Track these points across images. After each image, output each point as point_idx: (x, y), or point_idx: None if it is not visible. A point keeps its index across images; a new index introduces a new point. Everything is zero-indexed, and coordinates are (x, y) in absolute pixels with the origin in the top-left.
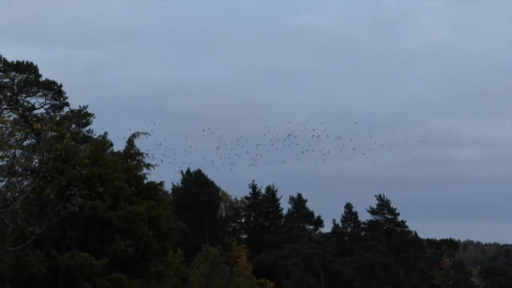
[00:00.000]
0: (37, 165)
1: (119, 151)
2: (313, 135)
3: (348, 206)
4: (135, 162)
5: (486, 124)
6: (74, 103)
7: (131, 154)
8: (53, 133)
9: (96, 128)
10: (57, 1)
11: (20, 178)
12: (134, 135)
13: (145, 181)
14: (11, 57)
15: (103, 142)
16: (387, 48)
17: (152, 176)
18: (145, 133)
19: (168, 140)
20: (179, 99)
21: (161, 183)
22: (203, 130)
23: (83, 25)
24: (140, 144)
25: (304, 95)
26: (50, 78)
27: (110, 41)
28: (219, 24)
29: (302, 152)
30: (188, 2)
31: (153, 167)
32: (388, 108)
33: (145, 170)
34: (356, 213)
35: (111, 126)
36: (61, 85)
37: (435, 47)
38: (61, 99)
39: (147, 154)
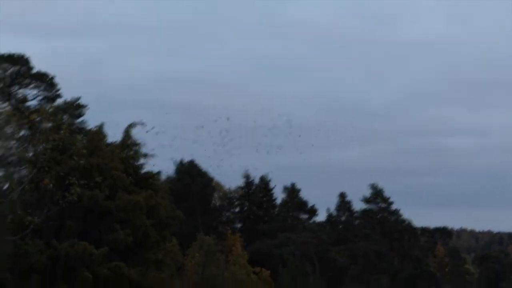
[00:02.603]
0: (33, 156)
1: (116, 142)
2: (308, 125)
3: (342, 195)
4: (132, 152)
5: (481, 113)
6: (68, 95)
7: (128, 144)
8: (49, 124)
9: (90, 120)
10: None
11: (17, 168)
12: (130, 125)
13: (142, 171)
14: (3, 50)
15: (100, 133)
16: (382, 38)
17: (147, 167)
18: (142, 124)
19: (161, 131)
20: (173, 90)
21: (158, 173)
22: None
23: (77, 16)
24: (137, 135)
25: (299, 85)
26: (43, 70)
27: (105, 33)
28: (213, 15)
29: (295, 142)
30: None
31: (151, 157)
32: (383, 99)
33: (142, 160)
34: (349, 202)
35: (105, 119)
36: (53, 77)
37: (431, 37)
38: (54, 91)
39: (144, 144)
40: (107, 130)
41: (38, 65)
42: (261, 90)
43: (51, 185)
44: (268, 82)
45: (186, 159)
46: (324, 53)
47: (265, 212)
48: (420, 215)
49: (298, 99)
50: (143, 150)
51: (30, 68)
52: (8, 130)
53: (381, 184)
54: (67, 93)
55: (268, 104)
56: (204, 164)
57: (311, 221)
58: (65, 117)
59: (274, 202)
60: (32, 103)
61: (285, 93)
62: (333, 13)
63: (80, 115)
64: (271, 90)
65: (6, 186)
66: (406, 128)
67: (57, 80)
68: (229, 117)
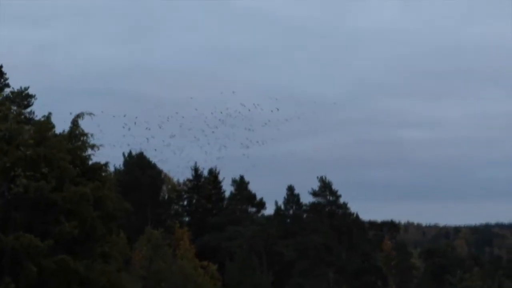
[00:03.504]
0: None
1: (63, 132)
2: (259, 116)
3: (290, 189)
4: (79, 143)
5: (432, 105)
6: (17, 84)
7: (76, 134)
8: None
9: (39, 110)
10: None
11: None
12: (78, 116)
13: (90, 162)
14: None
15: (47, 123)
16: (336, 28)
17: (96, 158)
18: (90, 114)
19: (111, 122)
20: (126, 80)
21: (106, 164)
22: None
23: (28, 3)
24: (85, 125)
25: (252, 75)
26: None
27: (57, 21)
28: (169, 3)
29: (243, 130)
30: None
31: (98, 148)
32: (337, 90)
33: (90, 151)
34: (298, 195)
35: (56, 108)
36: (1, 66)
37: (384, 28)
38: (2, 80)
39: (91, 135)
40: (57, 120)
41: None
42: (215, 79)
43: None
44: (223, 71)
45: (135, 151)
46: (279, 44)
47: (214, 205)
48: (368, 209)
49: (249, 90)
50: (91, 140)
51: None
52: None
53: (329, 177)
54: (18, 81)
55: (221, 94)
56: (153, 156)
57: (260, 214)
58: (13, 107)
59: (222, 195)
60: None
61: (239, 83)
62: (291, 3)
63: (29, 105)
64: (226, 80)
65: None
66: (357, 120)
67: (5, 68)
68: (180, 108)
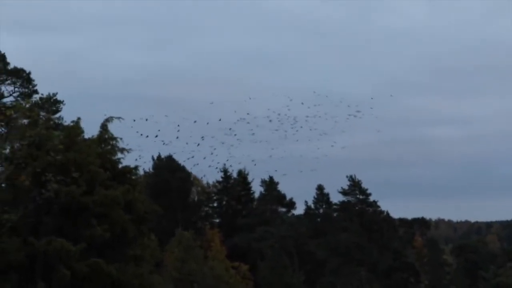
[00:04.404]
0: (10, 152)
1: (93, 136)
2: (288, 117)
3: (320, 188)
4: (109, 147)
5: (462, 103)
6: (46, 91)
7: (105, 138)
8: (25, 120)
9: (68, 116)
10: None
11: None
12: (107, 120)
13: (120, 166)
14: None
15: (77, 128)
16: (365, 28)
17: (125, 161)
18: (119, 118)
19: (139, 126)
20: (154, 84)
21: (136, 167)
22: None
23: (55, 12)
24: (114, 129)
25: (281, 77)
26: (19, 66)
27: (84, 28)
28: (196, 8)
29: (272, 132)
30: None
31: (128, 152)
32: (365, 88)
33: (119, 155)
34: (327, 194)
35: (84, 114)
36: (29, 73)
37: (413, 26)
38: (30, 86)
39: (121, 139)
40: (86, 125)
41: (15, 61)
42: (243, 82)
43: (27, 182)
44: (250, 74)
45: (165, 154)
46: (306, 44)
47: (244, 206)
48: (398, 206)
49: (278, 91)
50: (121, 144)
51: (6, 64)
52: None
53: (359, 176)
54: (46, 88)
55: (251, 97)
56: (182, 159)
57: (290, 214)
58: (42, 113)
59: (252, 196)
60: (8, 99)
61: (268, 85)
62: (316, 4)
63: (57, 111)
64: (253, 83)
65: None
66: (386, 119)
67: (34, 76)
68: (208, 110)
